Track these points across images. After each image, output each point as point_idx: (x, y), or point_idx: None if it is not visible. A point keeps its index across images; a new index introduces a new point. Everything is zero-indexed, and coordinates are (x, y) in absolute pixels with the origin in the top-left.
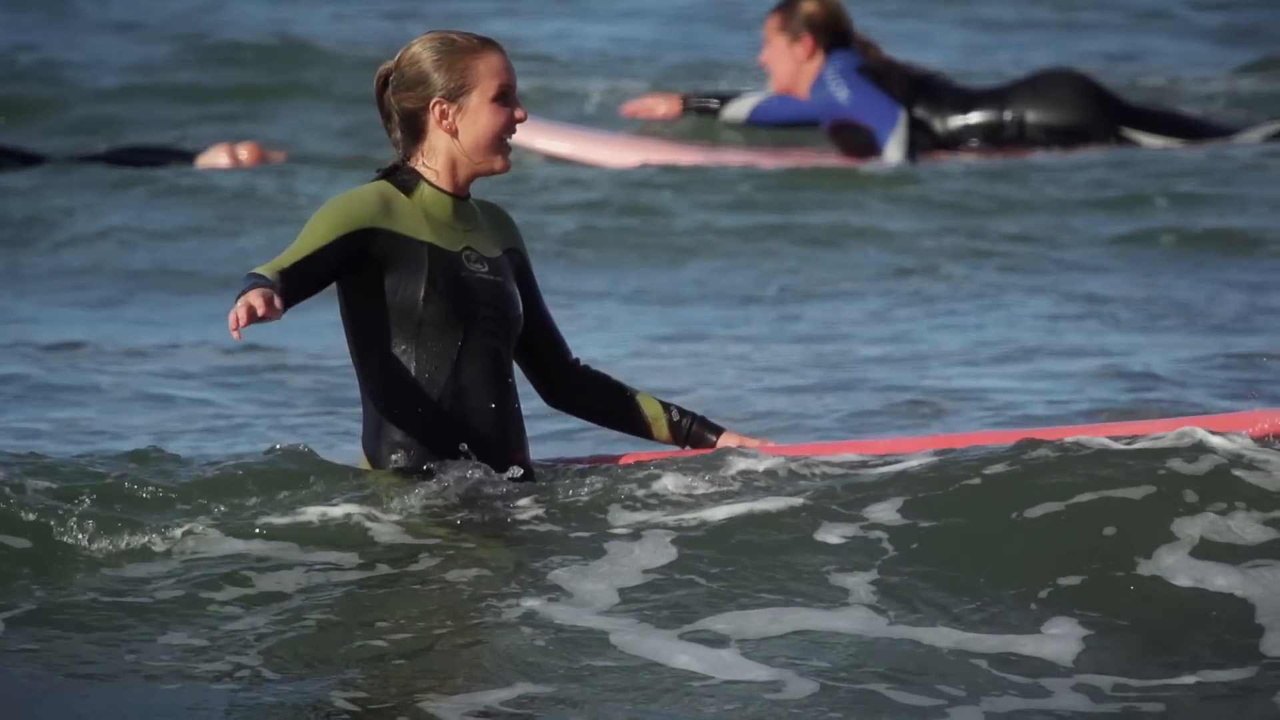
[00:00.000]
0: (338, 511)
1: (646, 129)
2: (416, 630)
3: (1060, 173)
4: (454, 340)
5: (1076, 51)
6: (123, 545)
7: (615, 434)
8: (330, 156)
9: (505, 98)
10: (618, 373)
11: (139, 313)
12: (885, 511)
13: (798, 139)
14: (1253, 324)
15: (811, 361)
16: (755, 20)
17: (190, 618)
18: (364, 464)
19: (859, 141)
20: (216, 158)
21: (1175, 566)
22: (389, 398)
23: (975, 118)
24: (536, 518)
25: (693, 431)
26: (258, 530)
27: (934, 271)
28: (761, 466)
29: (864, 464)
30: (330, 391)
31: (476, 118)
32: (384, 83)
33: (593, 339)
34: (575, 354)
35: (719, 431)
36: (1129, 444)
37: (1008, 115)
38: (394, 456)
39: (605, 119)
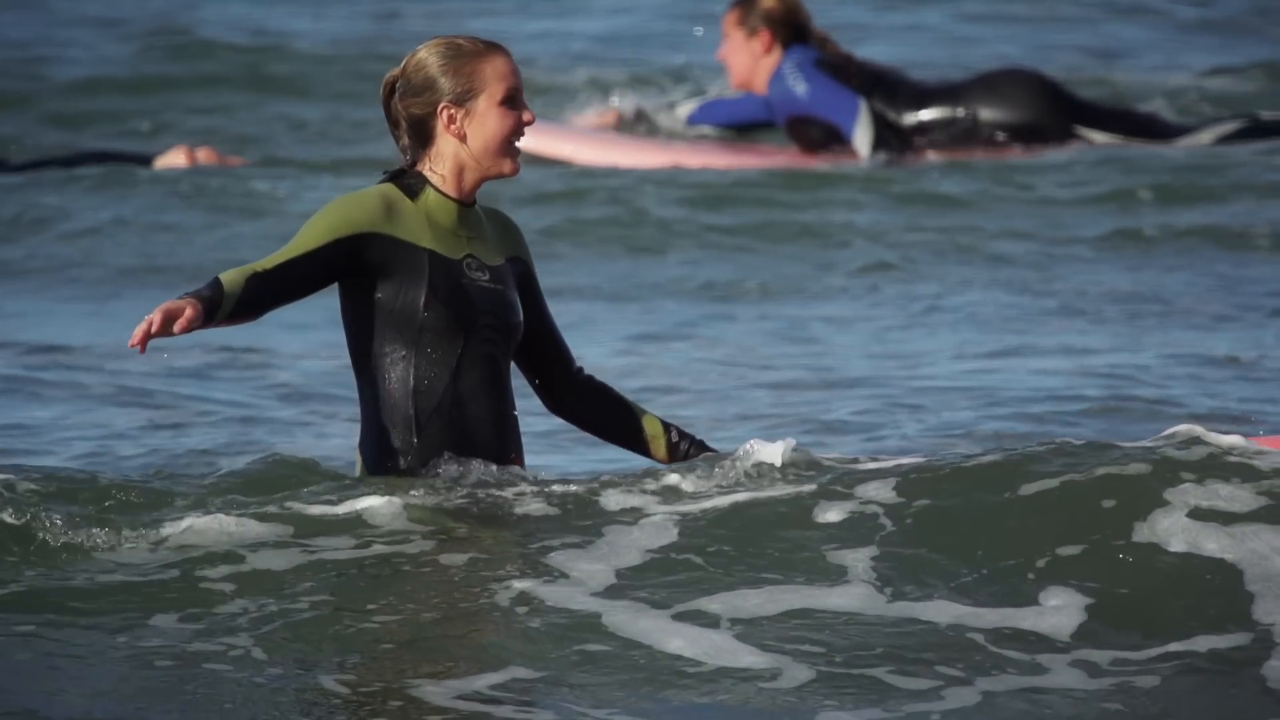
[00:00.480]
0: (332, 500)
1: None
2: (408, 614)
3: (1042, 171)
4: (454, 348)
5: (1053, 44)
6: (116, 534)
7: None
8: (299, 159)
9: (513, 101)
10: (598, 371)
11: (126, 309)
12: (882, 490)
13: (765, 137)
14: (1236, 320)
15: (794, 361)
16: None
17: (182, 600)
18: (360, 468)
19: (816, 137)
20: (175, 159)
21: (1170, 535)
22: (387, 403)
23: (930, 114)
24: (533, 505)
25: (689, 454)
26: (251, 518)
27: (914, 269)
28: (766, 460)
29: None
30: (328, 394)
31: (485, 122)
32: (390, 90)
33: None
34: (579, 363)
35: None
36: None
37: (962, 112)
38: (390, 462)
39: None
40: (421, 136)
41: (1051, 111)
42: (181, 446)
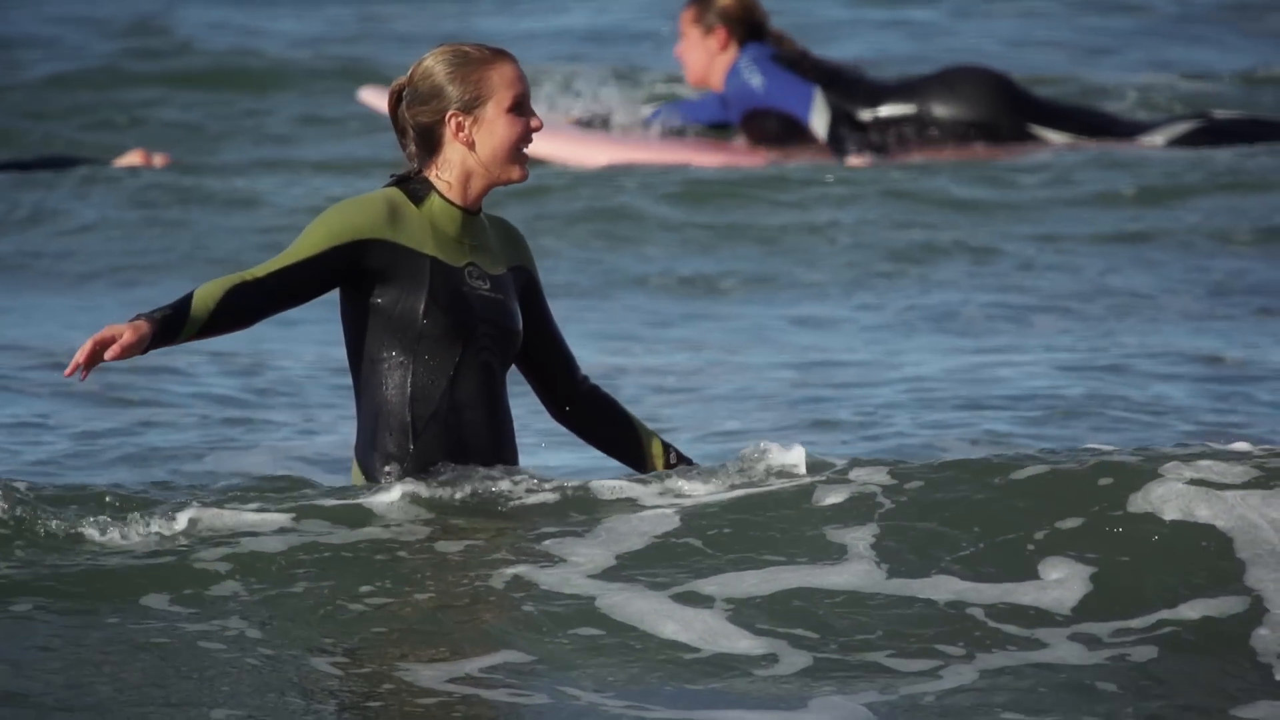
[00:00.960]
0: (328, 491)
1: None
2: (403, 597)
3: (1029, 170)
4: (451, 355)
5: (1034, 40)
6: (107, 525)
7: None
8: (271, 158)
9: (520, 107)
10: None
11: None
12: (880, 475)
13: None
14: (1221, 319)
15: (775, 362)
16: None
17: (176, 583)
18: (356, 473)
19: (773, 130)
20: (131, 161)
21: (1165, 504)
22: (384, 409)
23: (884, 110)
24: (532, 498)
25: None
26: (246, 508)
27: (896, 269)
28: (782, 463)
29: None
30: (326, 394)
31: (493, 129)
32: (397, 98)
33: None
34: (584, 372)
35: None
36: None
37: (916, 109)
38: (387, 468)
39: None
40: (429, 144)
41: (1006, 110)
42: (170, 444)
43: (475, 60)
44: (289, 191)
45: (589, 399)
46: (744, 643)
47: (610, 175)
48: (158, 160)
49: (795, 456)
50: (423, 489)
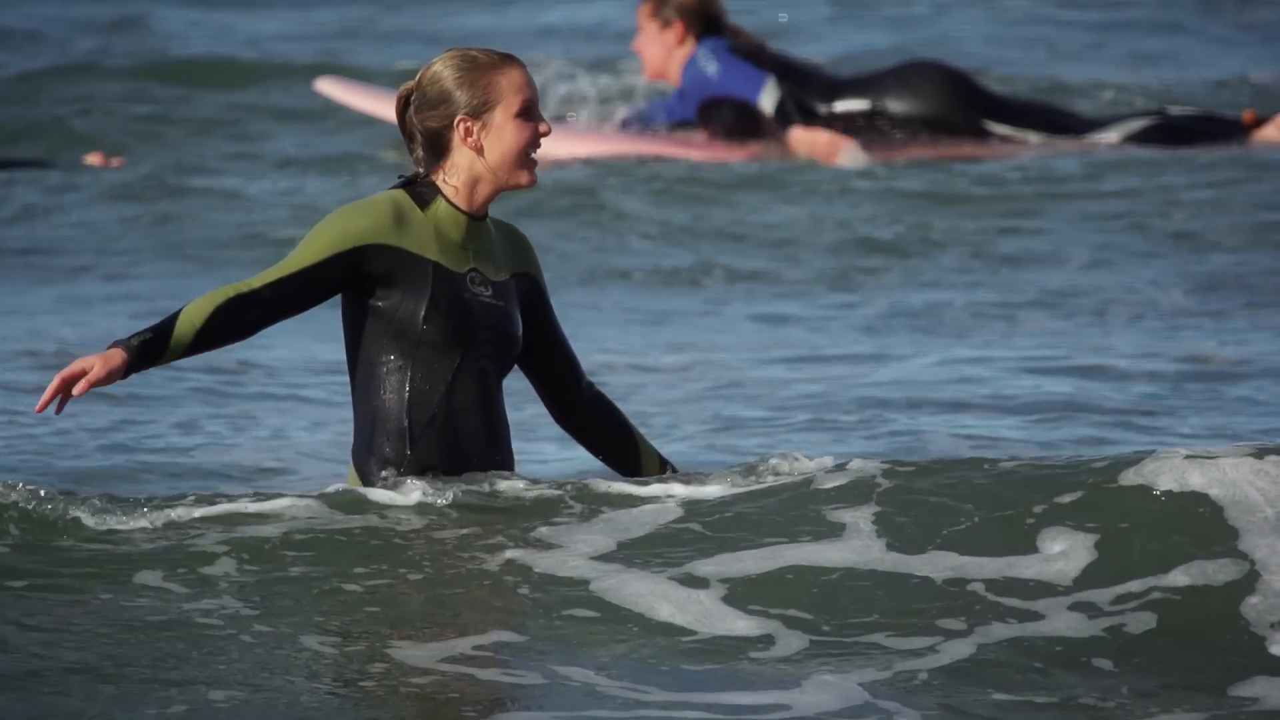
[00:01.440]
0: (324, 481)
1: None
2: (396, 579)
3: (1014, 169)
4: (450, 361)
5: (1020, 38)
6: (103, 508)
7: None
8: (242, 154)
9: (529, 113)
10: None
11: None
12: (878, 466)
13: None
14: (1207, 318)
15: (758, 361)
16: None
17: (170, 563)
18: (353, 476)
19: (729, 122)
20: (91, 162)
21: (1159, 477)
22: (381, 413)
23: (839, 105)
24: (530, 491)
25: None
26: (241, 494)
27: (879, 265)
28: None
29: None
30: (322, 397)
31: (501, 134)
32: (405, 103)
33: None
34: (589, 379)
35: None
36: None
37: (871, 104)
38: (384, 473)
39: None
40: (437, 149)
41: (961, 105)
42: (160, 443)
43: (484, 65)
44: (261, 185)
45: (592, 406)
46: (740, 623)
47: (589, 169)
48: (115, 162)
49: (799, 465)
50: (420, 486)
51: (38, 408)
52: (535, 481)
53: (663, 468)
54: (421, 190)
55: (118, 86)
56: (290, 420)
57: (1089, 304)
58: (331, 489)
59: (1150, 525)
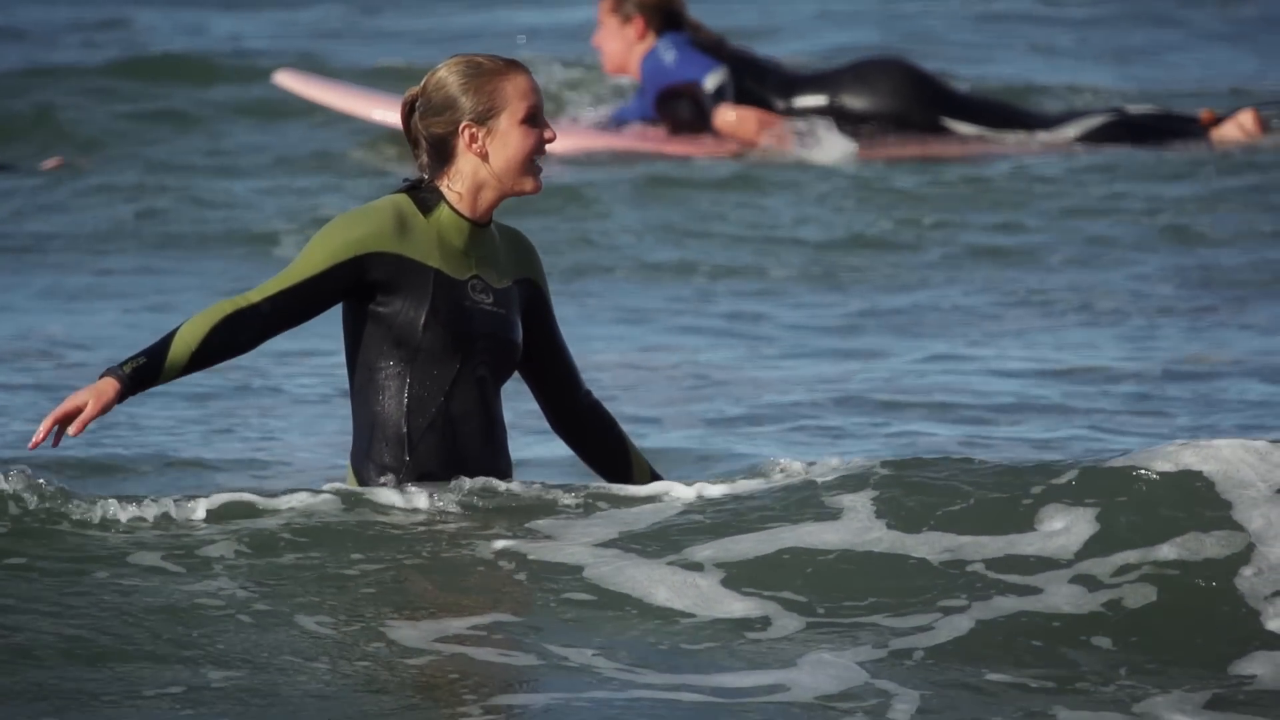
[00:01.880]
0: (322, 477)
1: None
2: (393, 563)
3: (997, 167)
4: (449, 369)
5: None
6: (102, 500)
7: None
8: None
9: (534, 119)
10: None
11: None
12: (876, 460)
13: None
14: (1194, 318)
15: (742, 360)
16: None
17: (167, 545)
18: (351, 480)
19: (685, 114)
20: (51, 165)
21: (1155, 459)
22: (380, 419)
23: (798, 101)
24: (529, 490)
25: None
26: (237, 484)
27: (868, 265)
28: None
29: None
30: (318, 400)
31: (507, 140)
32: (410, 108)
33: None
34: (587, 387)
35: None
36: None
37: (829, 100)
38: (383, 479)
39: None
40: (442, 155)
41: (918, 102)
42: (153, 443)
43: (489, 71)
44: (242, 182)
45: (589, 414)
46: (738, 605)
47: (569, 164)
48: (80, 164)
49: (794, 468)
50: (419, 491)
51: (31, 444)
52: (534, 484)
53: (653, 481)
54: (425, 196)
55: (90, 86)
56: (290, 420)
57: (1075, 302)
58: (329, 488)
59: (1145, 502)
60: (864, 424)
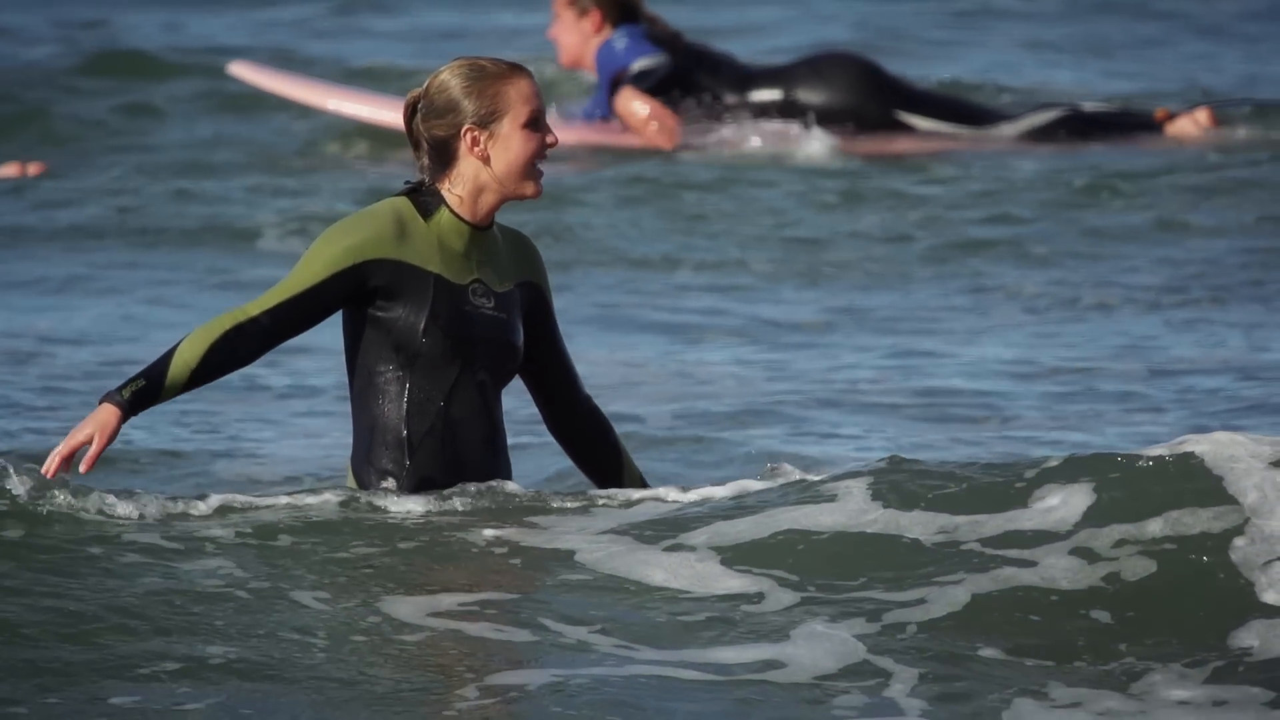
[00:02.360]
0: (321, 475)
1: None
2: (389, 547)
3: (985, 166)
4: (449, 373)
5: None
6: (101, 491)
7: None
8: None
9: (536, 123)
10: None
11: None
12: (872, 461)
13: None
14: (1185, 314)
15: (729, 359)
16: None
17: (165, 528)
18: (351, 484)
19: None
20: (7, 172)
21: (1150, 445)
22: (380, 423)
23: (753, 95)
24: (528, 490)
25: None
26: (234, 476)
27: (856, 264)
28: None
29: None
30: (317, 396)
31: (509, 144)
32: (412, 110)
33: None
34: (586, 392)
35: None
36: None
37: (783, 94)
38: (384, 484)
39: None
40: (443, 158)
41: (873, 96)
42: (149, 445)
43: (491, 75)
44: (222, 179)
45: (587, 420)
46: (733, 582)
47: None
48: (32, 169)
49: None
50: (418, 498)
51: (53, 471)
52: (532, 487)
53: (642, 488)
54: (426, 199)
55: (64, 84)
56: (290, 420)
57: (1061, 299)
58: (328, 490)
59: (1139, 478)
60: (848, 422)
